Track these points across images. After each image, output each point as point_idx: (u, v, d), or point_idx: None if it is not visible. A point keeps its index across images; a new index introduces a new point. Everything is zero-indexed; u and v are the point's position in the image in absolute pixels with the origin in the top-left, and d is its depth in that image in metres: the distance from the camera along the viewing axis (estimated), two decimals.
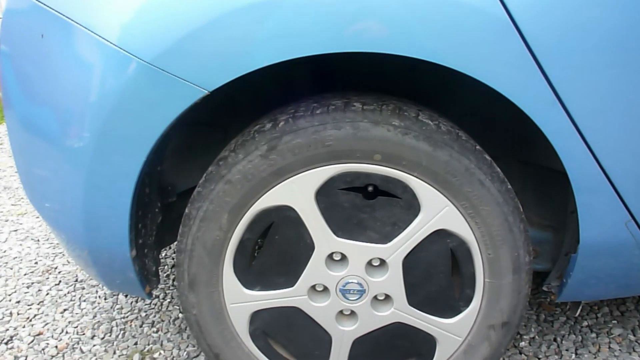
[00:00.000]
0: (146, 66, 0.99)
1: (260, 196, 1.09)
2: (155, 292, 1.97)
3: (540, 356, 1.56)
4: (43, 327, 1.79)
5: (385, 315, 1.19)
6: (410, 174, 1.07)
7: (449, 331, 1.20)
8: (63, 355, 1.65)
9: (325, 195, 1.09)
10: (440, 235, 1.12)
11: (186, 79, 1.00)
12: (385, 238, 1.12)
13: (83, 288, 2.02)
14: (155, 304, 1.90)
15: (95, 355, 1.65)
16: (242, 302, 1.19)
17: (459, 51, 0.97)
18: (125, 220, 1.13)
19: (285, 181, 1.08)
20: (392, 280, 1.15)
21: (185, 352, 1.64)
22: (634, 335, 1.63)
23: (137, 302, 1.93)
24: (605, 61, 0.98)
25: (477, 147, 1.10)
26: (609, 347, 1.59)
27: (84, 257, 1.24)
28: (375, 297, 1.18)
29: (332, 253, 1.14)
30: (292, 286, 1.17)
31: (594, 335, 1.64)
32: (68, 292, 2.00)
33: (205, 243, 1.14)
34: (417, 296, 1.17)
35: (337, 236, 1.12)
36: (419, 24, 0.96)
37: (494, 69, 0.98)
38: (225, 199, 1.10)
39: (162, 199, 1.32)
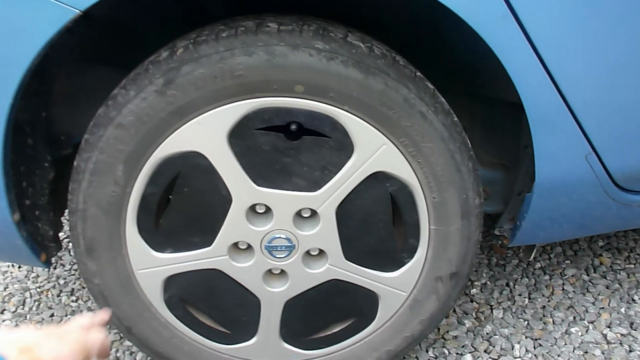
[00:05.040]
0: None
1: (161, 142, 0.91)
2: (62, 260, 1.77)
3: (492, 303, 1.46)
4: None
5: (320, 273, 1.04)
6: (340, 108, 0.90)
7: (392, 286, 1.07)
8: None
9: (240, 138, 0.91)
10: (378, 179, 0.96)
11: None
12: (315, 185, 0.96)
13: None
14: (76, 270, 1.71)
15: None
16: (152, 267, 1.02)
17: None
18: None
19: (189, 122, 0.90)
20: (325, 233, 1.00)
21: None
22: (588, 275, 1.55)
23: (55, 268, 1.74)
24: None
25: (418, 73, 0.94)
26: (563, 289, 1.50)
27: None
28: (307, 253, 1.03)
29: (254, 205, 0.97)
30: (210, 245, 1.00)
31: (547, 277, 1.55)
32: None
33: (99, 201, 0.95)
34: (355, 249, 1.03)
35: (258, 185, 0.95)
36: None
37: None
38: (118, 147, 0.91)
39: (53, 152, 1.11)
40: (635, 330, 1.35)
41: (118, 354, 1.36)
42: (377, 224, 1.01)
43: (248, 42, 0.86)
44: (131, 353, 1.35)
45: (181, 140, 0.91)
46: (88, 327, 0.69)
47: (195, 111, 0.89)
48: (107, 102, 0.92)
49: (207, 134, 0.90)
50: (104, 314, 0.74)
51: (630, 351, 1.30)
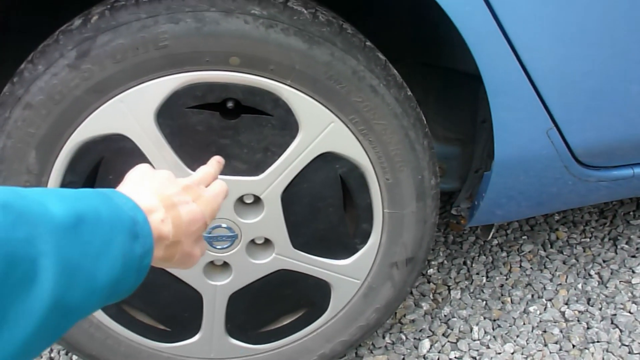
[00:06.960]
0: None
1: (79, 124, 0.80)
2: None
3: (450, 283, 1.41)
4: None
5: (266, 263, 0.96)
6: (282, 82, 0.80)
7: (345, 274, 0.99)
8: None
9: (169, 117, 0.81)
10: (326, 160, 0.88)
11: None
12: (257, 168, 0.87)
13: None
14: None
15: None
16: None
17: None
18: None
19: (110, 101, 0.79)
20: (270, 221, 0.91)
21: None
22: (545, 251, 1.52)
23: None
24: None
25: (367, 42, 0.85)
26: (520, 266, 1.47)
27: None
28: (251, 243, 0.94)
29: None
30: None
31: (504, 254, 1.51)
32: None
33: None
34: (304, 237, 0.94)
35: (193, 170, 0.85)
36: None
37: None
38: (28, 130, 0.79)
39: None
40: (592, 306, 1.33)
41: (52, 354, 1.25)
42: (327, 209, 0.92)
43: (174, 7, 0.75)
44: (67, 353, 1.25)
45: (102, 121, 0.80)
46: (210, 181, 0.66)
47: (116, 88, 0.78)
48: (13, 79, 0.79)
49: (131, 114, 0.79)
50: (218, 164, 0.72)
51: (588, 328, 1.27)
